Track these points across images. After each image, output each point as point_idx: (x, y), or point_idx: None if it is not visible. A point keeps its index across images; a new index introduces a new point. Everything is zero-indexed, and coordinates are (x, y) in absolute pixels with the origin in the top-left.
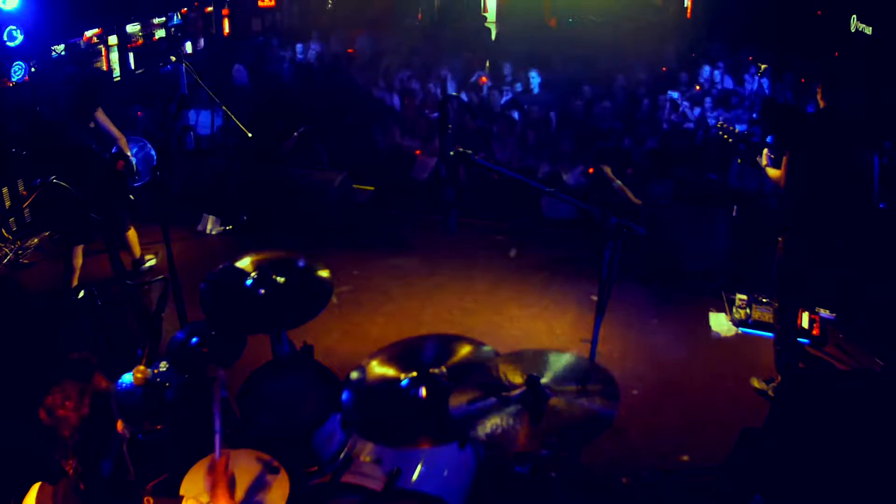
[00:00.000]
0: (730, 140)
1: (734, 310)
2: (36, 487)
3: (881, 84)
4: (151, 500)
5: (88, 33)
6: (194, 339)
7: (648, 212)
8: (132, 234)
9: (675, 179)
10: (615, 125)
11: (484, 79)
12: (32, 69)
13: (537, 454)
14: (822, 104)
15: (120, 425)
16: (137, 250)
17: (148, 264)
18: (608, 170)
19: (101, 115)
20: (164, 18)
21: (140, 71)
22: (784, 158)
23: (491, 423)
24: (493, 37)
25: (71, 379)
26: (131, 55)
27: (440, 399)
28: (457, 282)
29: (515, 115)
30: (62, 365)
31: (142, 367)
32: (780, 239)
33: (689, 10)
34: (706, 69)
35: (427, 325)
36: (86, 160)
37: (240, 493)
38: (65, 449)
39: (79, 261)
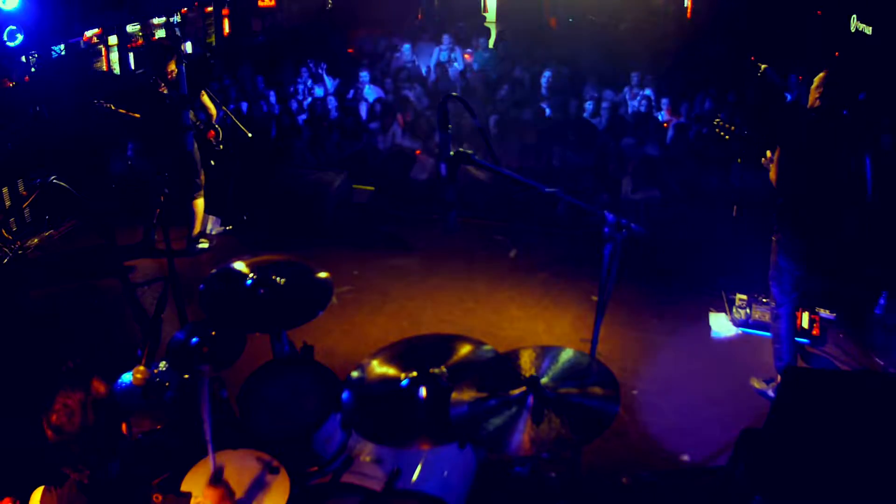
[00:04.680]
0: (727, 137)
1: (734, 310)
2: (40, 491)
3: (879, 84)
4: (160, 498)
5: (88, 33)
6: (194, 339)
7: (649, 212)
8: (200, 205)
9: (664, 186)
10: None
11: (468, 56)
12: (32, 69)
13: (538, 455)
14: (817, 103)
15: (125, 427)
16: (199, 226)
17: (200, 245)
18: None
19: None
20: (164, 18)
21: (140, 71)
22: (776, 156)
23: (491, 424)
24: (493, 36)
25: (70, 390)
26: (131, 55)
27: (440, 399)
28: (457, 282)
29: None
30: (58, 377)
31: (141, 368)
32: (773, 238)
33: (689, 11)
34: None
35: (427, 325)
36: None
37: (240, 493)
38: (75, 459)
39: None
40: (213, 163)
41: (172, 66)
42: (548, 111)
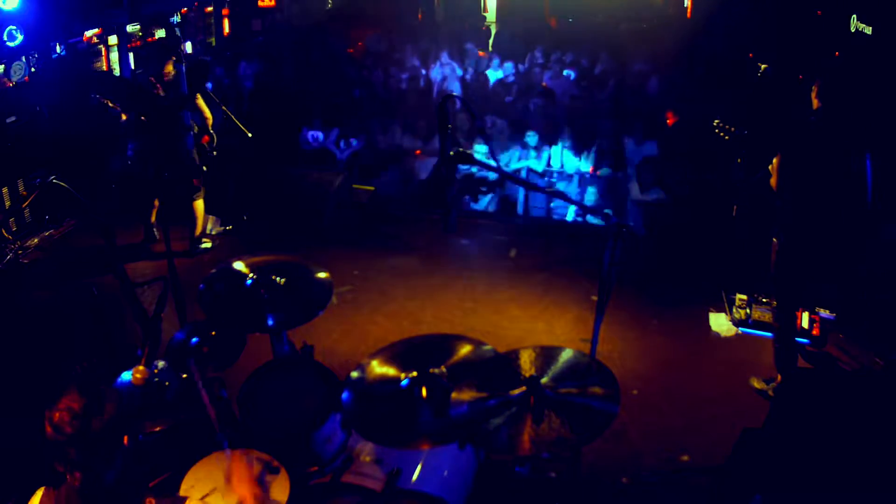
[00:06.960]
0: (726, 138)
1: (734, 310)
2: (40, 492)
3: (878, 85)
4: (153, 502)
5: (88, 33)
6: (194, 339)
7: (649, 212)
8: (200, 206)
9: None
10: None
11: (482, 52)
12: (32, 69)
13: (538, 455)
14: (815, 104)
15: (126, 440)
16: (200, 226)
17: (203, 246)
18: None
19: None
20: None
21: (139, 71)
22: (775, 161)
23: (491, 424)
24: (493, 36)
25: (77, 394)
26: (131, 55)
27: (440, 399)
28: (457, 282)
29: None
30: (68, 377)
31: (141, 368)
32: (774, 240)
33: (689, 10)
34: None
35: (427, 325)
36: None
37: (239, 493)
38: (69, 461)
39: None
40: (205, 168)
41: (170, 68)
42: (536, 103)
